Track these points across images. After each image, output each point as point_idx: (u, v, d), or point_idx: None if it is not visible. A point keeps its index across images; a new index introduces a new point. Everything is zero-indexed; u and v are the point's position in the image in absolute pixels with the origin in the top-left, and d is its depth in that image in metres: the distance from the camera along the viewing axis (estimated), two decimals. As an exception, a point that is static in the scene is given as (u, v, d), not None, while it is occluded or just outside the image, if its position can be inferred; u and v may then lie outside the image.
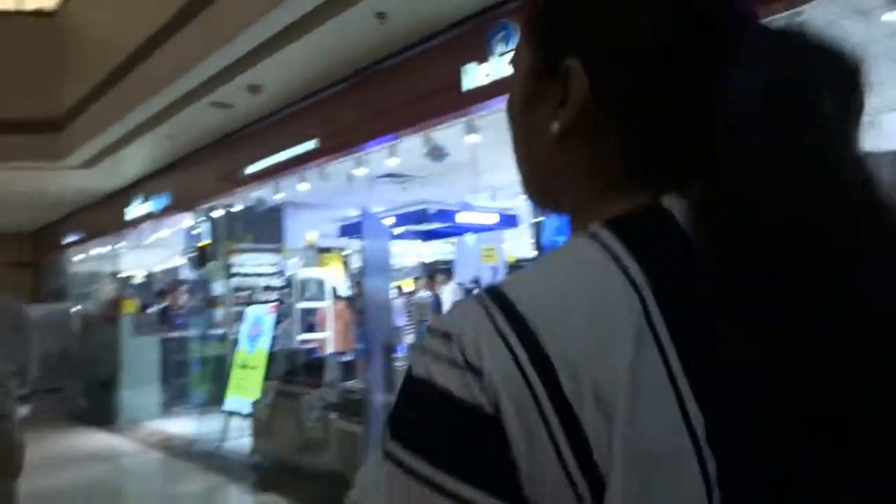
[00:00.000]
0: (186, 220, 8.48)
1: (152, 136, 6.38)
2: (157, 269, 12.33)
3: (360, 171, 6.10)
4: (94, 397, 9.83)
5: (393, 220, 10.01)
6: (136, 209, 8.69)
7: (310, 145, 5.59)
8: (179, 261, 10.74)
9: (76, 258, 11.24)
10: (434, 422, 0.44)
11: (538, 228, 5.56)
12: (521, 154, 0.57)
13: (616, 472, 0.41)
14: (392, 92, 5.05)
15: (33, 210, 10.13)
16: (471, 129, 5.06)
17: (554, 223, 5.03)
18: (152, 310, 9.63)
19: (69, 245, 11.02)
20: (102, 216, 9.78)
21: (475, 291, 0.49)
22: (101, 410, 9.41)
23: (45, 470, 6.58)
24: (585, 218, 0.50)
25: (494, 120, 4.88)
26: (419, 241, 11.00)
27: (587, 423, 0.42)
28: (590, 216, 0.50)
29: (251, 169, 6.32)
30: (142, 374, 9.06)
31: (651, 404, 0.41)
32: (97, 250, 10.59)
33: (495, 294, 0.46)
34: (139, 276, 11.65)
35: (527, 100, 0.55)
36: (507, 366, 0.43)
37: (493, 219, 9.81)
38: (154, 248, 10.54)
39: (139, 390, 9.03)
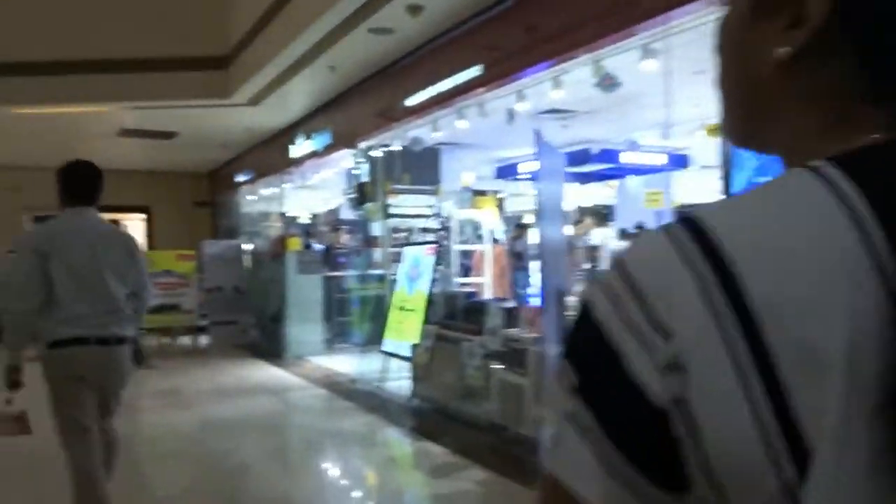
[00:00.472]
0: (346, 159, 8.46)
1: (313, 69, 6.26)
2: (320, 210, 12.64)
3: (522, 106, 5.65)
4: (264, 331, 10.33)
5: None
6: (299, 148, 8.77)
7: (473, 72, 5.16)
8: (340, 201, 10.88)
9: (247, 198, 11.73)
10: (601, 383, 0.42)
11: (729, 168, 4.80)
12: (729, 83, 0.51)
13: (828, 444, 0.36)
14: (561, 11, 4.49)
15: (208, 150, 10.61)
16: (647, 53, 4.49)
17: (752, 163, 4.30)
18: (315, 249, 9.82)
19: (240, 184, 11.50)
20: (269, 155, 10.02)
21: (665, 223, 0.43)
22: (270, 344, 9.87)
23: (220, 398, 6.89)
24: (804, 155, 0.44)
25: (674, 44, 4.28)
26: (577, 184, 10.39)
27: (795, 387, 0.37)
28: (810, 153, 0.44)
29: (411, 101, 6.02)
30: (306, 311, 9.33)
31: (876, 365, 0.36)
32: (265, 191, 10.96)
33: (691, 227, 0.42)
34: (304, 217, 11.98)
35: (748, 20, 0.48)
36: (702, 324, 0.39)
37: (661, 160, 8.98)
38: (317, 188, 10.74)
39: (304, 326, 9.32)
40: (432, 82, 5.65)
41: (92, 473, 3.08)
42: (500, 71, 5.07)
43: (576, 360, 0.44)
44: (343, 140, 7.64)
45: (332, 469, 5.08)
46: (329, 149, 8.12)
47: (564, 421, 0.43)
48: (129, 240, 3.37)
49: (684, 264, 0.40)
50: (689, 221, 0.42)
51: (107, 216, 11.98)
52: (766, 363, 0.38)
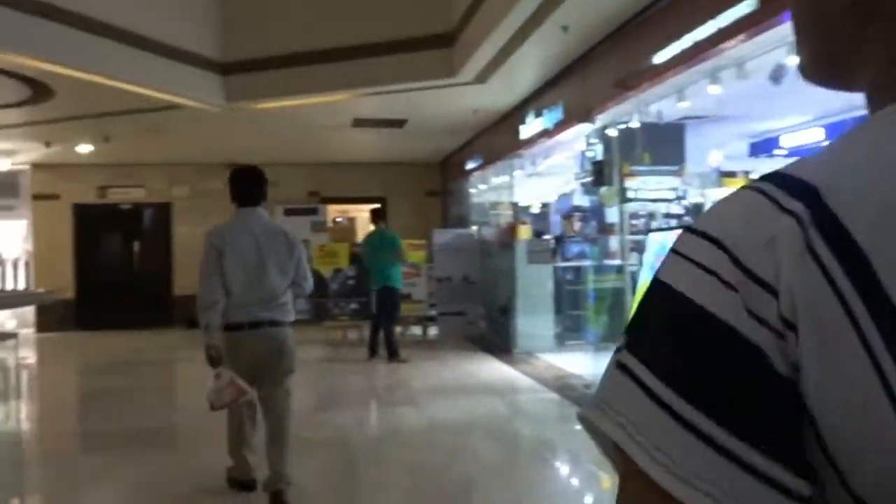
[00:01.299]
0: (578, 141, 7.70)
1: (542, 32, 5.53)
2: (550, 197, 11.92)
3: (794, 60, 4.38)
4: (492, 322, 9.90)
5: (822, 133, 7.97)
6: (529, 127, 8.11)
7: (744, 7, 4.04)
8: (572, 186, 10.09)
9: (477, 187, 11.38)
10: (689, 348, 0.38)
11: None
12: (805, 16, 0.46)
13: None
14: None
15: (437, 137, 10.42)
16: None
17: None
18: (546, 237, 9.12)
19: (470, 171, 11.19)
20: (497, 138, 9.52)
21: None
22: (498, 337, 9.40)
23: (446, 397, 6.47)
24: (893, 89, 0.40)
25: None
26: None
27: None
28: None
29: (659, 57, 5.02)
30: (536, 302, 8.69)
31: None
32: (496, 179, 10.51)
33: (777, 180, 0.39)
34: (534, 205, 11.33)
35: None
36: (809, 276, 0.35)
37: None
38: (547, 175, 10.06)
39: (534, 319, 8.69)
40: (688, 29, 4.60)
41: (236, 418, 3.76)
42: (781, 4, 3.91)
43: (669, 350, 0.38)
44: (576, 114, 6.82)
45: (563, 488, 4.34)
46: (561, 126, 7.34)
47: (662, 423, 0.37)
48: (290, 236, 3.74)
49: (778, 210, 0.37)
50: (774, 176, 0.39)
51: (343, 208, 12.38)
52: (883, 316, 0.33)
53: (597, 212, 9.09)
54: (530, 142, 8.34)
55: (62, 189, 12.51)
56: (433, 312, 10.58)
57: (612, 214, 8.46)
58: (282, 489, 3.53)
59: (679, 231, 0.40)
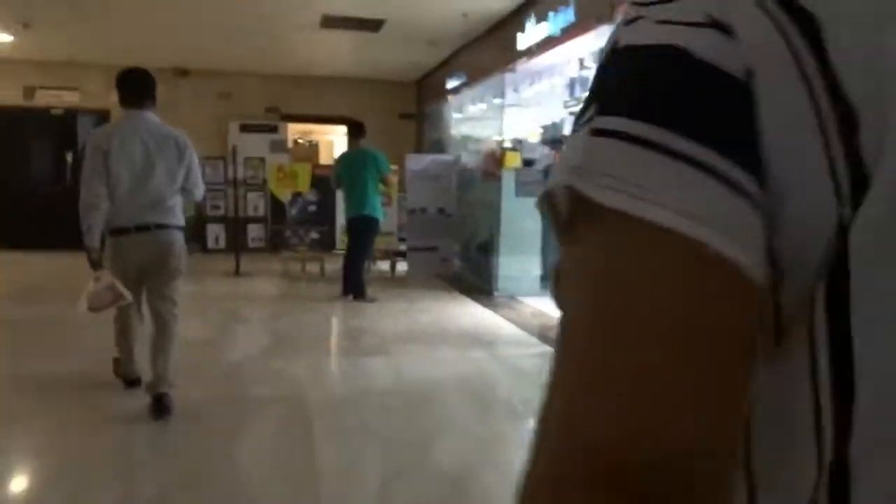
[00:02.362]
0: (568, 67, 6.63)
1: None
2: (532, 131, 10.79)
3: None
4: (469, 261, 8.91)
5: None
6: (529, 35, 6.93)
7: None
8: (561, 115, 9.00)
9: (459, 109, 10.16)
10: (664, 81, 0.37)
11: None
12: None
13: (887, 167, 0.33)
14: None
15: (417, 47, 9.12)
16: None
17: None
18: (537, 167, 8.06)
19: (451, 91, 9.98)
20: (488, 52, 8.32)
21: None
22: (476, 276, 8.43)
23: (419, 345, 5.48)
24: None
25: None
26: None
27: (858, 103, 0.34)
28: None
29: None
30: (521, 241, 7.69)
31: None
32: (480, 97, 9.32)
33: None
34: (522, 135, 10.20)
35: None
36: (763, 25, 0.36)
37: None
38: (529, 105, 8.94)
39: (517, 260, 7.72)
40: None
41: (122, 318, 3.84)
42: None
43: (630, 84, 0.38)
44: (592, 14, 5.67)
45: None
46: (570, 31, 6.19)
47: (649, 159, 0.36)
48: (181, 140, 3.71)
49: None
50: None
51: (306, 127, 11.12)
52: (833, 82, 0.34)
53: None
54: (528, 53, 7.17)
55: (-20, 88, 10.92)
56: (403, 247, 9.54)
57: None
58: (164, 392, 3.65)
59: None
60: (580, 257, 0.38)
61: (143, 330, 3.92)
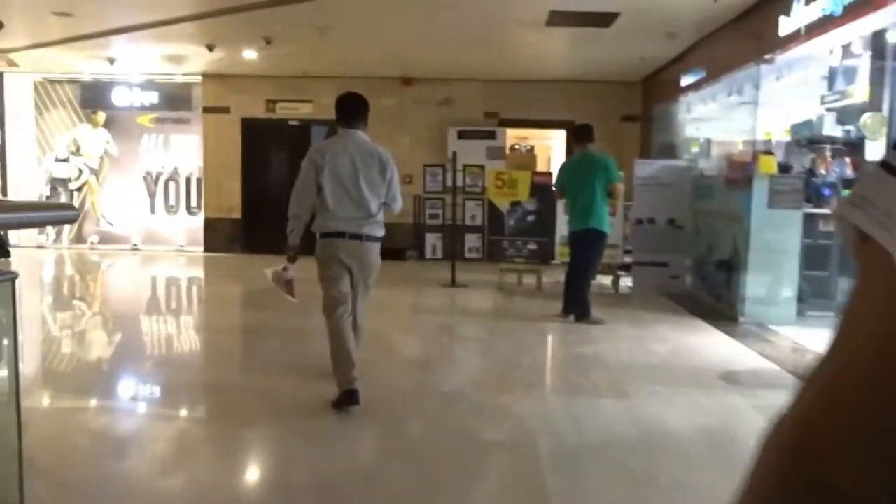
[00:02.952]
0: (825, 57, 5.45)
1: None
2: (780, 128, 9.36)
3: None
4: (705, 280, 7.90)
5: None
6: (795, 18, 5.86)
7: None
8: (814, 113, 7.66)
9: (691, 113, 9.12)
10: None
11: None
12: None
13: None
14: None
15: (650, 40, 8.28)
16: None
17: None
18: (796, 174, 6.87)
19: (685, 89, 8.99)
20: (736, 41, 7.28)
21: None
22: (714, 298, 7.42)
23: (659, 382, 4.74)
24: None
25: None
26: None
27: None
28: None
29: None
30: (774, 259, 6.58)
31: None
32: (716, 105, 8.24)
33: None
34: (775, 134, 8.89)
35: None
36: None
37: None
38: (781, 101, 7.68)
39: (768, 280, 6.63)
40: None
41: (340, 324, 3.93)
42: None
43: None
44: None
45: None
46: (855, 8, 5.07)
47: None
48: (384, 158, 4.05)
49: None
50: None
51: (523, 133, 10.68)
52: None
53: (857, 145, 6.91)
54: (792, 40, 6.07)
55: (232, 102, 11.90)
56: (628, 260, 8.74)
57: (876, 148, 6.46)
58: (357, 389, 3.82)
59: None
60: (857, 273, 0.43)
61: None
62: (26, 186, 12.42)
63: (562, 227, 7.98)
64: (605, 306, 7.06)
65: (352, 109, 4.11)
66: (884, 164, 0.42)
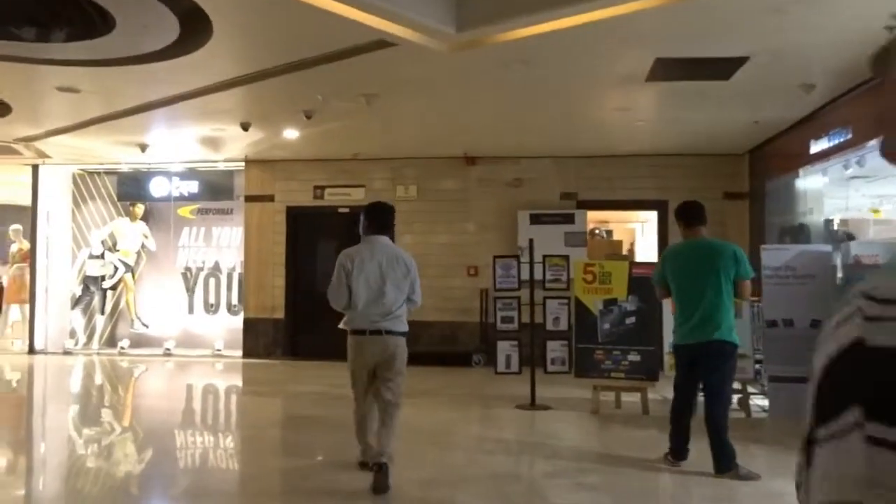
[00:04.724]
0: None
1: None
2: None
3: None
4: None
5: None
6: None
7: None
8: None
9: (829, 183, 7.27)
10: None
11: None
12: None
13: None
14: None
15: (780, 96, 6.58)
16: None
17: None
18: None
19: (817, 157, 7.20)
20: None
21: None
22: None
23: None
24: None
25: None
26: None
27: None
28: None
29: None
30: None
31: None
32: (866, 168, 6.43)
33: None
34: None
35: None
36: None
37: None
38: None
39: None
40: None
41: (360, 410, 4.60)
42: None
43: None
44: None
45: None
46: None
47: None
48: (406, 260, 4.55)
49: None
50: None
51: (603, 215, 9.00)
52: None
53: None
54: None
55: (277, 189, 10.72)
56: (760, 373, 6.80)
57: None
58: (384, 462, 4.24)
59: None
60: None
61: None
62: (57, 286, 11.40)
63: (669, 334, 6.17)
64: (736, 440, 5.06)
65: (383, 221, 4.61)
66: (883, 443, 0.41)
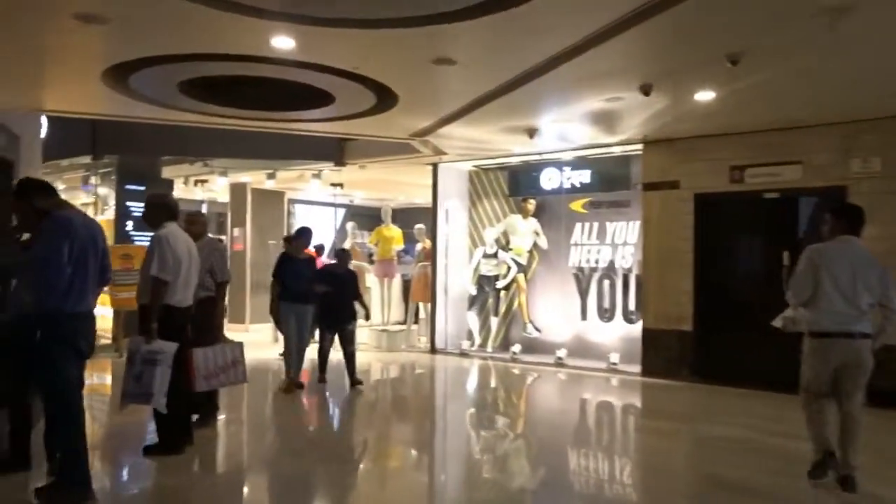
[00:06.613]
0: None
1: None
2: None
3: None
4: None
5: None
6: None
7: None
8: None
9: None
10: None
11: None
12: None
13: None
14: None
15: None
16: None
17: None
18: None
19: None
20: None
21: None
22: None
23: None
24: None
25: None
26: None
27: None
28: None
29: None
30: None
31: None
32: None
33: None
34: None
35: None
36: None
37: None
38: None
39: None
40: None
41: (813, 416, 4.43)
42: None
43: None
44: None
45: None
46: None
47: None
48: (878, 264, 4.36)
49: None
50: None
51: None
52: None
53: None
54: None
55: (682, 173, 8.85)
56: None
57: None
58: (848, 474, 4.25)
59: None
60: None
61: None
62: (455, 286, 11.32)
63: None
64: None
65: (853, 221, 4.45)
66: None
